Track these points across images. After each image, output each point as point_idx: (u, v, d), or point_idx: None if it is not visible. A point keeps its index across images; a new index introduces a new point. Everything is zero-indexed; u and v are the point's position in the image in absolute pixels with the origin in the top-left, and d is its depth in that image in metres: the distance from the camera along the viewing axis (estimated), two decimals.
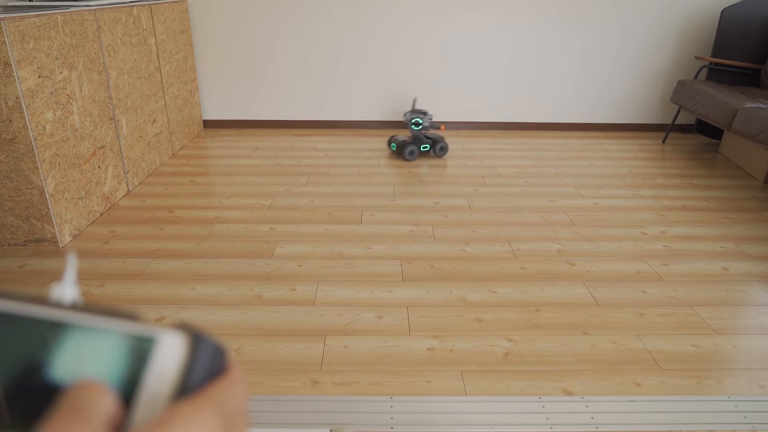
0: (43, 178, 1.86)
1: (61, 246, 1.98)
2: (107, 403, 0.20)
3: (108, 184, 2.31)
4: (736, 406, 1.30)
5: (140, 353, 0.21)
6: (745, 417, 1.27)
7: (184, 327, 0.22)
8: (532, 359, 1.45)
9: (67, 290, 0.25)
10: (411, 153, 2.92)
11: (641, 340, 1.53)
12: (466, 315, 1.63)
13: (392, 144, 3.00)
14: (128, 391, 0.21)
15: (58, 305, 0.22)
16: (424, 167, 2.86)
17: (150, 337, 0.21)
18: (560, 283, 1.81)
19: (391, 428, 1.23)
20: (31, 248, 1.97)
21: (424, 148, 2.97)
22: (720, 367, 1.43)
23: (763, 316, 1.65)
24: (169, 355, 0.21)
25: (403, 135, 3.10)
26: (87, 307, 0.22)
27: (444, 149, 2.98)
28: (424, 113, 2.96)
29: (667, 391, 1.35)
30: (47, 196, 1.89)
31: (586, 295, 1.74)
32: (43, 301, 0.22)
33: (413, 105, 3.10)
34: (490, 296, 1.73)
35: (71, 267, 0.25)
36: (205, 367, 0.22)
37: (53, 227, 1.94)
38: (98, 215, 2.24)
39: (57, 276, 1.81)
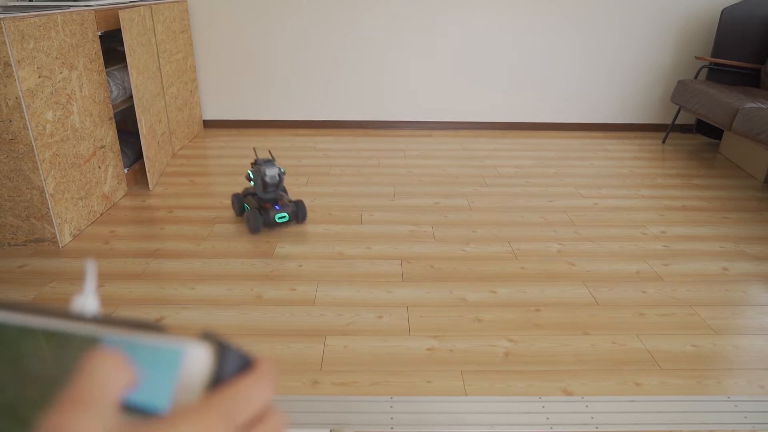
0: (43, 178, 1.86)
1: (61, 246, 1.98)
2: (121, 380, 0.20)
3: (108, 184, 2.31)
4: (736, 406, 1.30)
5: (167, 365, 0.21)
6: (745, 417, 1.27)
7: (209, 337, 0.22)
8: (532, 359, 1.45)
9: (89, 301, 0.24)
10: (255, 224, 2.03)
11: (641, 340, 1.53)
12: (466, 315, 1.63)
13: (246, 205, 2.14)
14: (156, 402, 0.21)
15: (84, 319, 0.22)
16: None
17: (176, 349, 0.21)
18: (560, 283, 1.81)
19: (391, 428, 1.23)
20: (31, 248, 1.97)
21: (281, 218, 2.04)
22: (720, 367, 1.43)
23: (763, 316, 1.65)
24: (196, 366, 0.21)
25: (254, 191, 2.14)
26: (113, 319, 0.22)
27: (305, 213, 2.12)
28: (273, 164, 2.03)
29: (667, 391, 1.35)
30: (47, 196, 1.89)
31: (586, 295, 1.74)
32: (67, 314, 0.22)
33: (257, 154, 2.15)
34: (490, 296, 1.73)
35: (91, 276, 0.25)
36: (232, 376, 0.22)
37: (53, 227, 1.94)
38: (98, 215, 2.24)
39: (57, 276, 1.81)
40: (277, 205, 2.06)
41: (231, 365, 0.22)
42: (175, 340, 0.21)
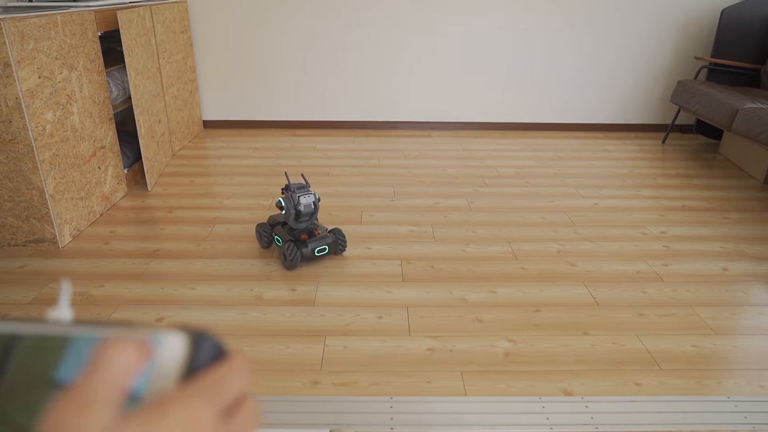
0: (43, 179, 1.86)
1: (61, 246, 1.98)
2: (133, 369, 0.20)
3: (108, 185, 2.31)
4: (736, 406, 1.30)
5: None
6: (745, 417, 1.27)
7: (184, 327, 0.23)
8: (532, 359, 1.45)
9: (63, 312, 0.25)
10: (293, 259, 1.81)
11: (641, 340, 1.53)
12: (466, 315, 1.63)
13: (277, 237, 1.91)
14: (135, 388, 0.21)
15: (58, 323, 0.23)
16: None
17: (151, 338, 0.22)
18: (560, 283, 1.81)
19: (391, 428, 1.23)
20: (31, 248, 1.97)
21: (321, 251, 1.84)
22: (720, 367, 1.43)
23: (763, 316, 1.65)
24: (171, 354, 0.22)
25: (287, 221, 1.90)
26: (86, 321, 0.23)
27: (344, 243, 1.93)
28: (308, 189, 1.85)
29: (667, 391, 1.35)
30: (47, 197, 1.89)
31: (586, 295, 1.74)
32: (44, 321, 0.23)
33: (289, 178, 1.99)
34: (490, 296, 1.73)
35: (65, 294, 0.26)
36: (207, 362, 0.23)
37: (53, 227, 1.94)
38: (98, 215, 2.24)
39: (57, 276, 1.81)
40: (313, 235, 1.85)
41: (205, 354, 0.23)
42: (150, 331, 0.22)
